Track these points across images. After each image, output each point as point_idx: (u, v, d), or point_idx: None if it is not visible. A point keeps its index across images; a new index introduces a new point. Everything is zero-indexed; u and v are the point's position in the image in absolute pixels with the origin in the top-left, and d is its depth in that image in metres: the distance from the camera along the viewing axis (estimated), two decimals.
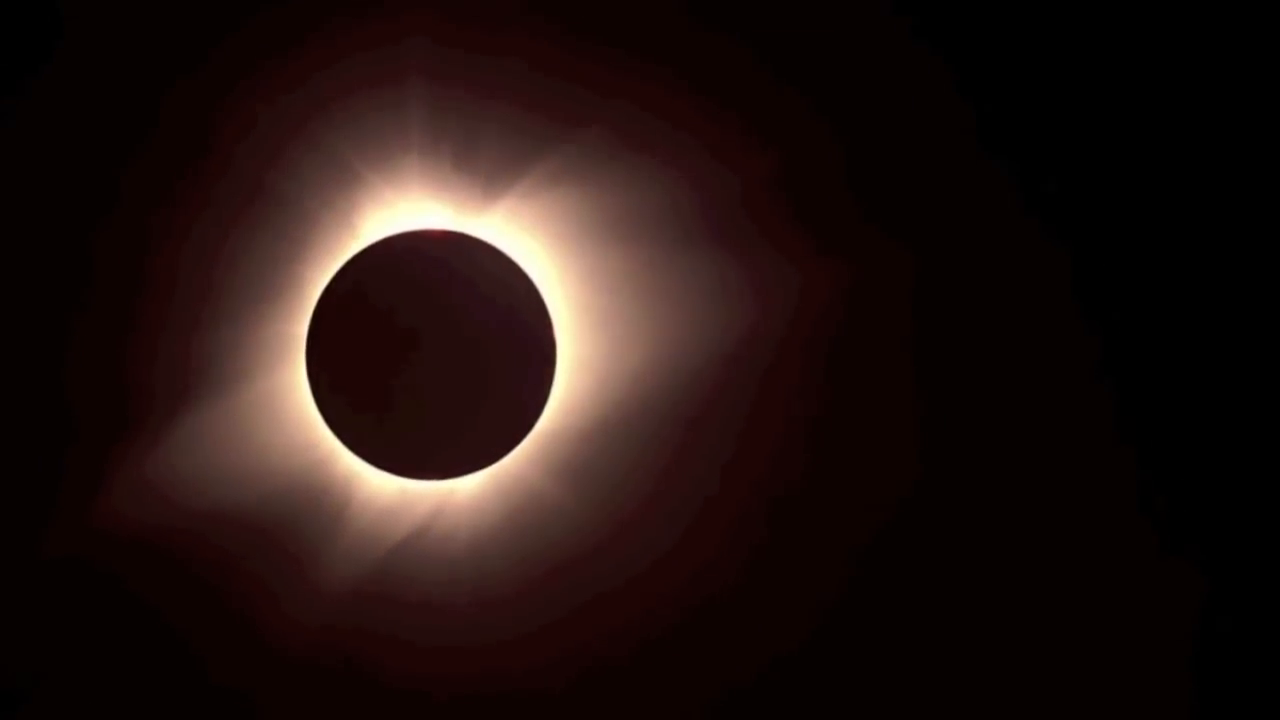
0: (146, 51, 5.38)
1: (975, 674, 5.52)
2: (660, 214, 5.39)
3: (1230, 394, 5.52)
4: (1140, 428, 5.51)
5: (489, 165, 5.37)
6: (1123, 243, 5.50)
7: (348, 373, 5.29)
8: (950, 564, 5.50)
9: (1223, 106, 5.53)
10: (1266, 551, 5.52)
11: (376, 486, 5.45)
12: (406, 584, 5.46)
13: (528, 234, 5.41)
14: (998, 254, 5.46)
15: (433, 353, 5.23)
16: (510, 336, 5.34)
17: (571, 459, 5.45)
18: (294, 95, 5.34)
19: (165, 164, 5.38)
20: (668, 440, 5.45)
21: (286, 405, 5.41)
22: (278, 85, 5.34)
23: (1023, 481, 5.50)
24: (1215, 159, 5.53)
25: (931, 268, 5.45)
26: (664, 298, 5.41)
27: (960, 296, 5.46)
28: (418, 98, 5.33)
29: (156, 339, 5.39)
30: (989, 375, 5.46)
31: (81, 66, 5.39)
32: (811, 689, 5.49)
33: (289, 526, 5.42)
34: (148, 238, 5.38)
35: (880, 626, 5.49)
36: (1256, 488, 5.52)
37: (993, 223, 5.47)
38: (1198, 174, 5.52)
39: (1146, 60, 5.51)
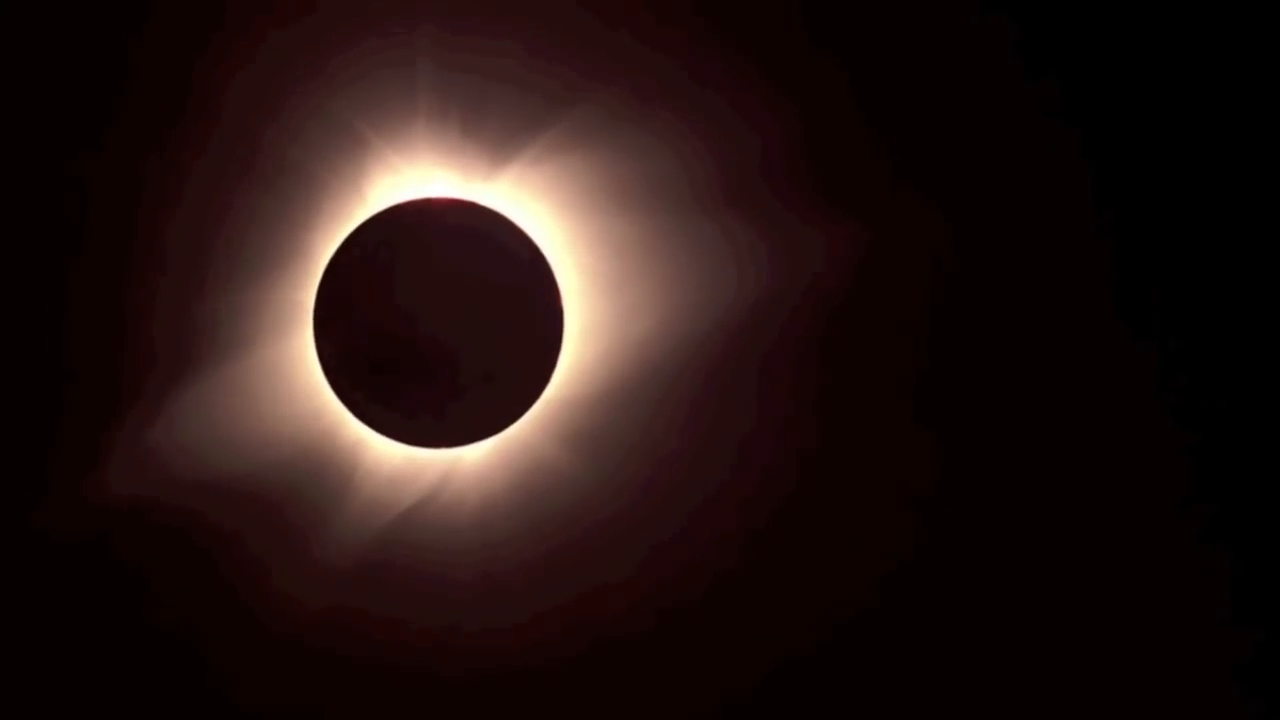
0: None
1: (996, 650, 5.53)
2: (672, 178, 5.31)
3: None
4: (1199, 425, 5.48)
5: (497, 130, 5.29)
6: (1185, 220, 5.40)
7: (354, 340, 5.23)
8: (979, 532, 5.49)
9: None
10: None
11: (383, 454, 5.41)
12: (413, 552, 5.43)
13: (536, 200, 5.35)
14: (1035, 221, 5.38)
15: (440, 320, 5.18)
16: (518, 303, 5.29)
17: (579, 426, 5.42)
18: (298, 56, 5.25)
19: (161, 124, 5.28)
20: (678, 408, 5.41)
21: (292, 373, 5.35)
22: (281, 46, 5.25)
23: (1055, 470, 5.47)
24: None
25: (961, 233, 5.35)
26: (675, 264, 5.35)
27: (991, 265, 5.38)
28: (425, 57, 5.25)
29: (158, 306, 5.31)
30: (1020, 349, 5.40)
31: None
32: (833, 665, 5.48)
33: (294, 495, 5.39)
34: (149, 203, 5.29)
35: (894, 603, 5.48)
36: None
37: (1029, 187, 5.37)
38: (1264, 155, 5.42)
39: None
